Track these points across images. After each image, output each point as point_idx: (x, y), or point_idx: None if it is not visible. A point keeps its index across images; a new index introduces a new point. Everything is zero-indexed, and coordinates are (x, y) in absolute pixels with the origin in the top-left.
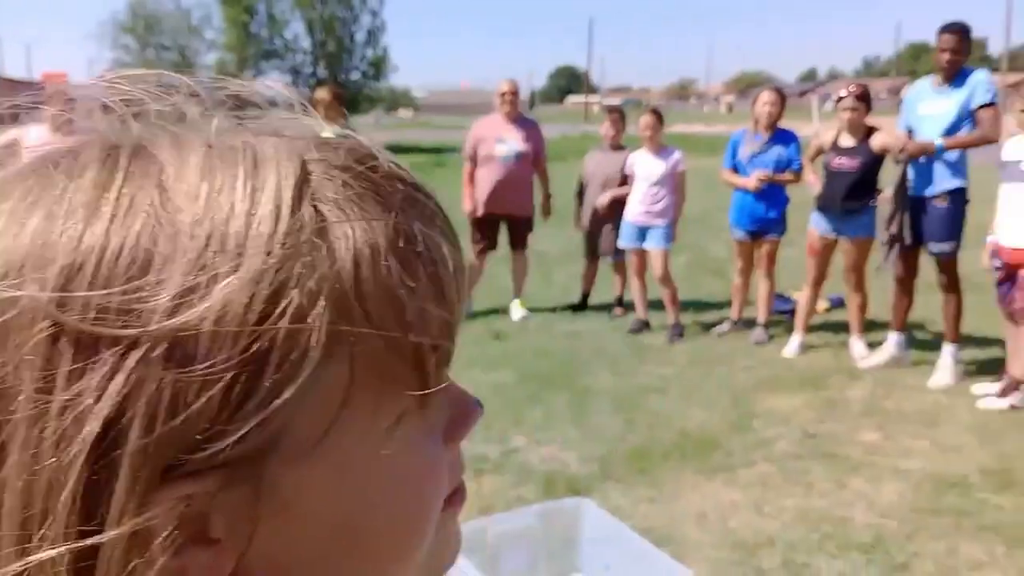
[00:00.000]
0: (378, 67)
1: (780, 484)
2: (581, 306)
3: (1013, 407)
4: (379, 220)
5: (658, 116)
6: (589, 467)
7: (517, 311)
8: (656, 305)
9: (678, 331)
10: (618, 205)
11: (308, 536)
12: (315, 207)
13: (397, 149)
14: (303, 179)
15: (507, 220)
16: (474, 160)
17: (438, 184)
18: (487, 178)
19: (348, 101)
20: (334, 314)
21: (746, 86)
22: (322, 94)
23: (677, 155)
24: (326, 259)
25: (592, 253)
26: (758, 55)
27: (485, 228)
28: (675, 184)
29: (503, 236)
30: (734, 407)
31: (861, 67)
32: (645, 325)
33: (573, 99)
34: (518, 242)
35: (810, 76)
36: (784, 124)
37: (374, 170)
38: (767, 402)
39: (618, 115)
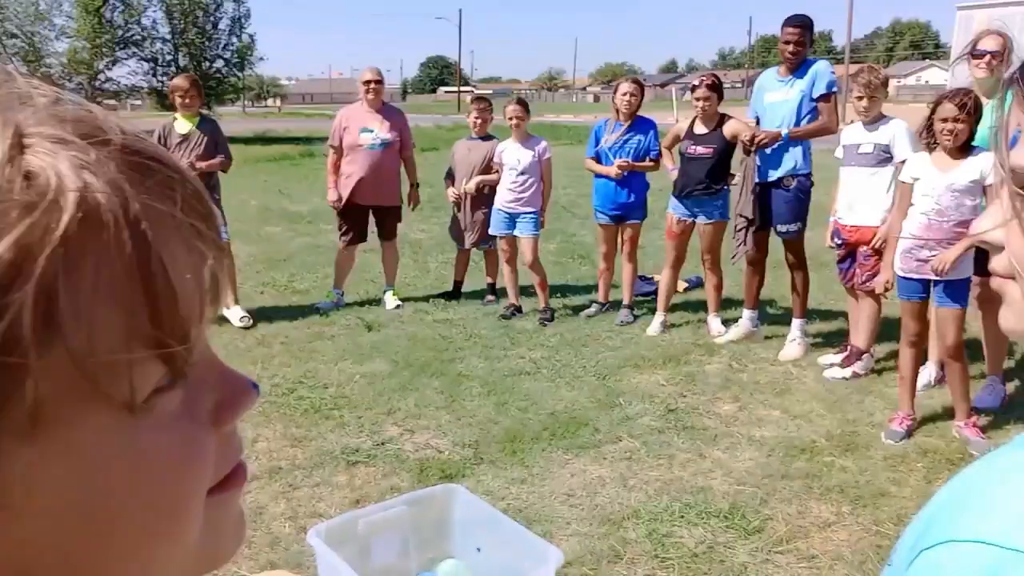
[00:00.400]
0: (243, 56)
1: (644, 458)
2: (454, 294)
3: (855, 375)
4: (101, 193)
5: (524, 105)
6: (462, 452)
7: (390, 301)
8: (527, 291)
9: (548, 315)
10: (487, 194)
11: (40, 525)
12: (27, 175)
13: (266, 139)
14: (16, 146)
15: (375, 210)
16: (339, 150)
17: (307, 173)
18: (353, 168)
19: (212, 90)
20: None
21: (611, 77)
22: (180, 82)
23: (543, 144)
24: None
25: (463, 241)
26: (622, 48)
27: (352, 219)
28: (542, 172)
29: (374, 227)
30: (601, 386)
31: (717, 59)
32: (517, 310)
33: (445, 89)
34: (387, 232)
35: (671, 68)
36: (647, 114)
37: (105, 144)
38: (632, 380)
39: (484, 105)
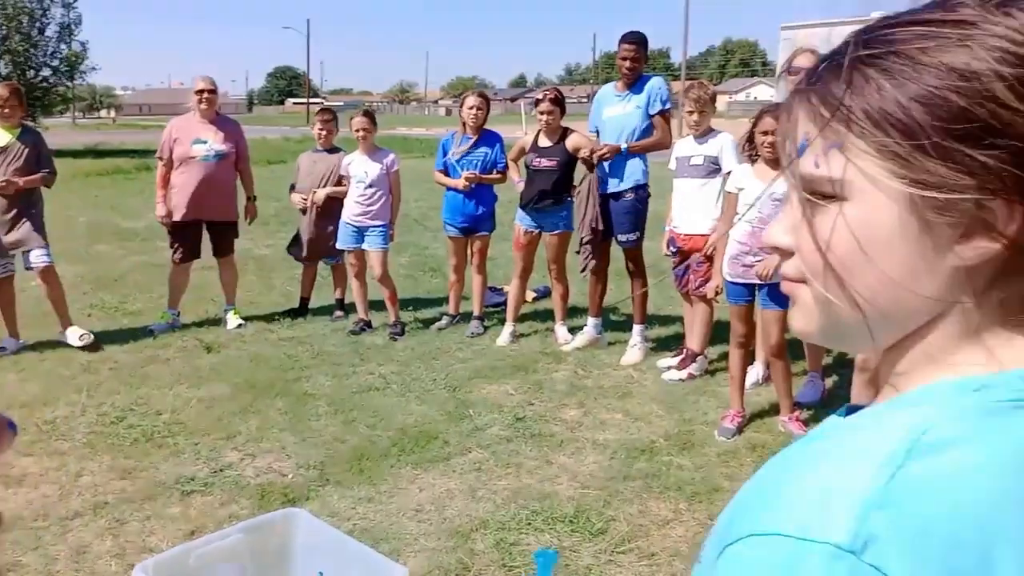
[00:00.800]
0: (73, 65)
1: (493, 468)
2: (301, 311)
3: (691, 376)
4: None
5: (370, 117)
6: (307, 475)
7: (232, 321)
8: (377, 305)
9: (399, 329)
10: (334, 208)
11: None
12: None
13: (99, 152)
14: None
15: (209, 225)
16: (169, 162)
17: (143, 188)
18: (185, 181)
19: (37, 100)
20: None
21: (462, 91)
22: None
23: (392, 156)
24: None
25: (310, 256)
26: (473, 62)
27: (185, 235)
28: (391, 185)
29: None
30: (452, 398)
31: (564, 74)
32: (367, 325)
33: (294, 101)
34: (223, 248)
35: (520, 82)
36: (498, 127)
37: None
38: (482, 390)
39: (328, 116)
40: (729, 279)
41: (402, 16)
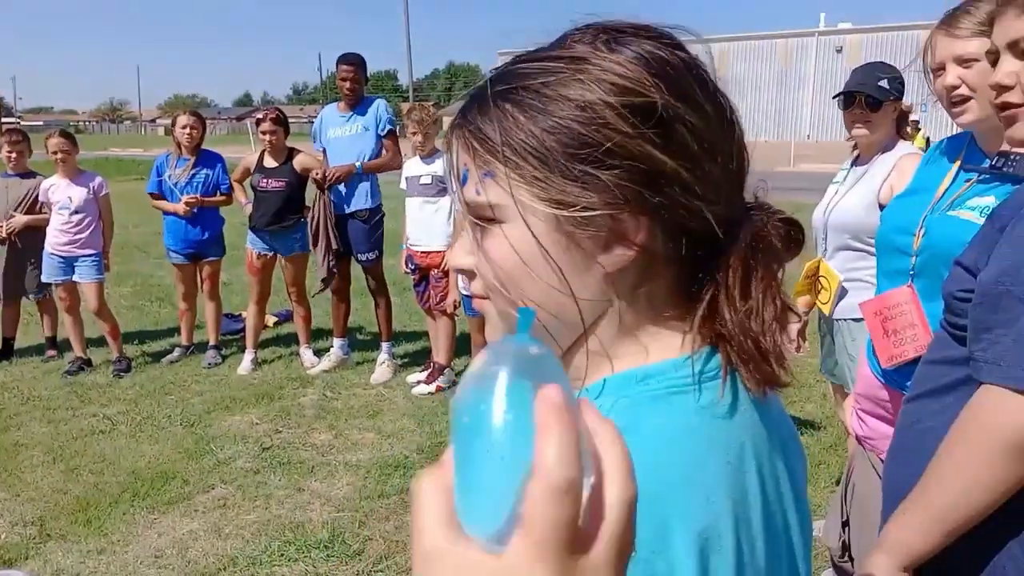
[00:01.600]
0: None
1: (240, 502)
2: (5, 353)
3: (439, 388)
4: None
5: (69, 138)
6: (23, 532)
7: None
8: (97, 341)
9: (123, 365)
10: (35, 238)
11: None
12: None
13: None
14: None
15: None
16: None
17: None
18: None
19: None
20: None
21: (180, 109)
22: None
23: (99, 180)
24: None
25: (9, 293)
26: (193, 80)
27: None
28: (100, 210)
29: None
30: (189, 434)
31: (292, 93)
32: (85, 364)
33: None
34: None
35: (246, 101)
36: (225, 148)
37: None
38: (224, 423)
39: (18, 137)
40: (465, 293)
41: (110, 29)
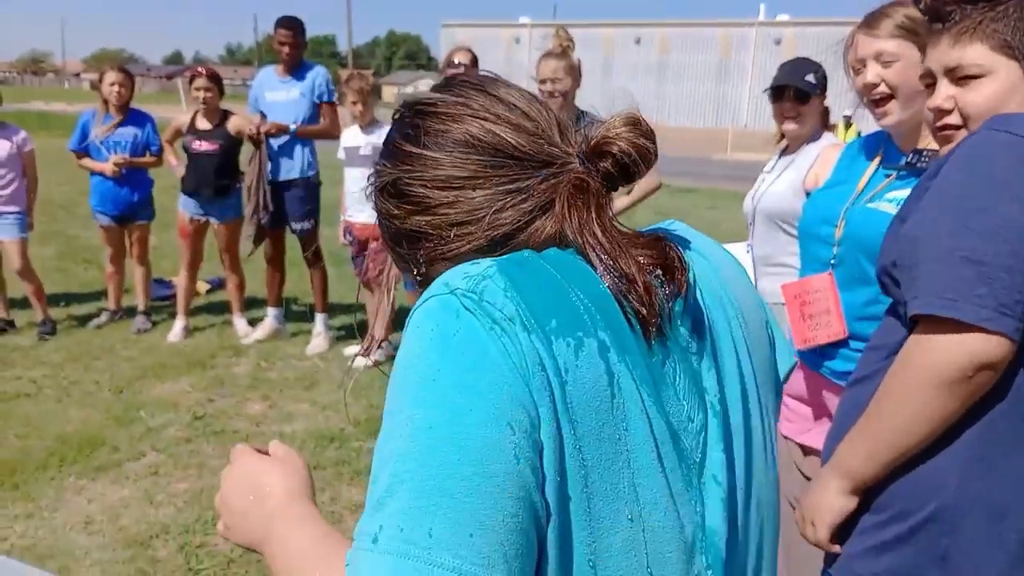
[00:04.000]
0: None
1: (172, 471)
2: None
3: (376, 363)
4: None
5: None
6: None
7: None
8: (20, 302)
9: (48, 328)
10: None
11: None
12: None
13: None
14: None
15: None
16: None
17: None
18: None
19: None
20: None
21: (107, 64)
22: None
23: (23, 134)
24: None
25: None
26: (120, 34)
27: None
28: (24, 166)
29: None
30: (118, 400)
31: (225, 53)
32: (8, 325)
33: None
34: None
35: (176, 59)
36: (154, 107)
37: None
38: (154, 390)
39: None
40: None
41: None
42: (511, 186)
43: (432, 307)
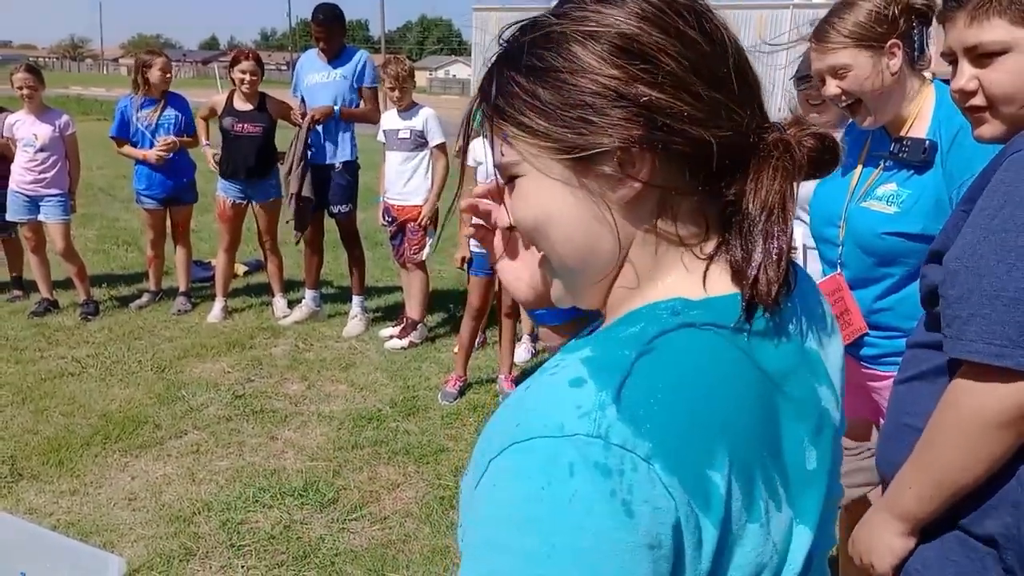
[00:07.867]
0: None
1: (213, 448)
2: None
3: (412, 344)
4: None
5: (36, 74)
6: None
7: None
8: (64, 283)
9: (91, 308)
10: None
11: None
12: None
13: None
14: None
15: None
16: None
17: None
18: None
19: None
20: None
21: (145, 50)
22: None
23: (65, 117)
24: None
25: None
26: (157, 20)
27: None
28: (67, 149)
29: None
30: (160, 379)
31: (260, 39)
32: (52, 305)
33: None
34: None
35: (212, 44)
36: (189, 91)
37: None
38: (195, 370)
39: None
40: (477, 250)
41: None
42: (734, 117)
43: (539, 457)
